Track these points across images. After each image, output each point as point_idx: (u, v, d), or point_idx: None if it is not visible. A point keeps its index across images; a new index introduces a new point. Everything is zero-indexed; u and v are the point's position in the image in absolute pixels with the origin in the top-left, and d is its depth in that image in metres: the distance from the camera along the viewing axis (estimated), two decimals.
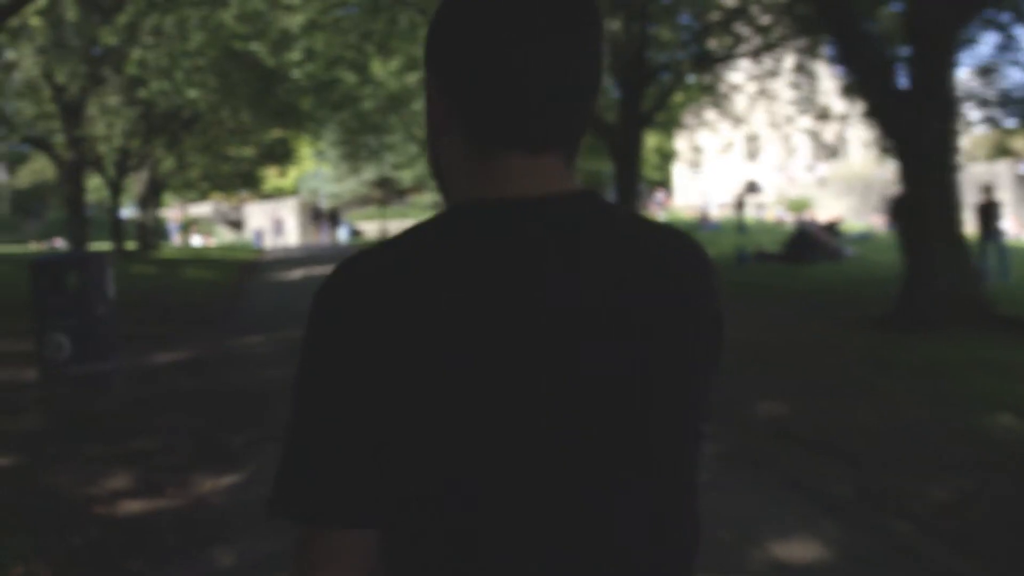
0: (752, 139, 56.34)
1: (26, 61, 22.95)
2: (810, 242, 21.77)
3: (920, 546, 4.90)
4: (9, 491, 6.01)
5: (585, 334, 1.03)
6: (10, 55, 23.41)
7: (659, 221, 1.24)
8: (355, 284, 1.03)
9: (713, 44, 21.28)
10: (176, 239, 50.20)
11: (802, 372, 9.29)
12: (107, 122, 26.67)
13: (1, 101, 23.88)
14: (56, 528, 5.27)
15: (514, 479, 1.00)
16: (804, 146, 51.18)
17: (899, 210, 12.32)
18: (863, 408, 7.70)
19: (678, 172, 62.49)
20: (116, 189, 30.82)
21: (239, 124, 29.86)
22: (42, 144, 25.58)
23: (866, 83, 12.37)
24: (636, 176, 21.15)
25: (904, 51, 12.36)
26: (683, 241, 1.18)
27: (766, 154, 57.14)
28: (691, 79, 23.25)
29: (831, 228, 26.66)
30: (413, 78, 25.84)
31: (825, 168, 52.82)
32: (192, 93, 23.04)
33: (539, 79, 1.07)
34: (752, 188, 52.69)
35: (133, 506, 5.71)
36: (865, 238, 29.87)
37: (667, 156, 58.87)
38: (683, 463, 1.15)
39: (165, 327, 13.72)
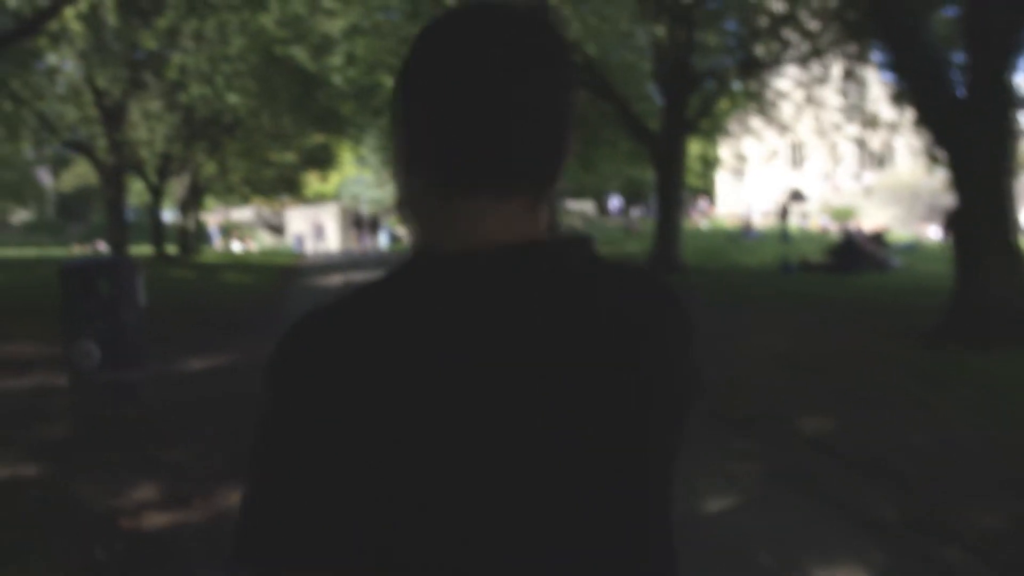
0: (797, 147, 55.84)
1: (67, 65, 23.08)
2: (856, 252, 21.33)
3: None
4: (34, 501, 5.88)
5: (532, 395, 1.01)
6: (52, 60, 23.55)
7: (639, 271, 1.21)
8: (311, 348, 0.99)
9: (760, 50, 20.94)
10: (217, 243, 50.42)
11: (848, 386, 8.96)
12: (148, 127, 26.78)
13: (43, 105, 23.93)
14: (80, 540, 5.13)
15: (480, 539, 0.99)
16: (849, 154, 50.69)
17: (953, 221, 11.94)
18: (911, 425, 7.37)
19: (721, 180, 62.10)
20: (157, 193, 30.93)
21: (280, 129, 29.83)
22: (84, 148, 25.67)
23: (918, 90, 11.98)
24: (679, 184, 20.89)
25: (959, 57, 11.96)
26: (655, 295, 1.19)
27: (811, 162, 56.57)
28: (736, 86, 22.91)
29: (877, 238, 26.14)
30: None
31: (871, 177, 52.07)
32: (232, 98, 23.09)
33: (505, 118, 1.04)
34: (796, 196, 52.13)
35: (159, 519, 5.55)
36: (912, 248, 29.34)
37: (710, 163, 58.43)
38: (638, 533, 1.12)
39: (200, 332, 13.61)
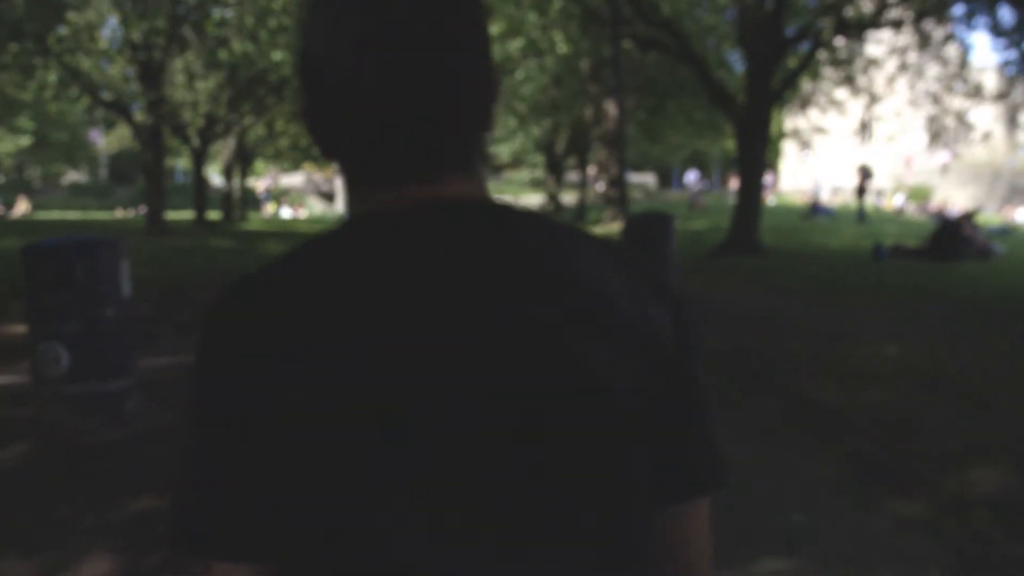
0: (867, 121, 53.18)
1: (103, 18, 21.60)
2: (956, 237, 19.23)
3: None
4: None
5: (449, 359, 0.91)
6: (90, 15, 22.09)
7: (582, 231, 1.07)
8: (221, 326, 0.96)
9: (854, 10, 18.86)
10: (266, 210, 49.35)
11: (997, 409, 7.11)
12: (189, 86, 25.22)
13: (71, 59, 22.34)
14: None
15: (398, 516, 0.90)
16: (921, 129, 48.25)
17: None
18: None
19: (786, 154, 59.55)
20: (200, 157, 29.43)
21: None
22: (119, 108, 24.02)
23: None
24: (762, 158, 18.97)
25: None
26: (604, 257, 1.03)
27: (880, 136, 53.86)
28: (831, 50, 20.88)
29: (968, 221, 23.94)
30: (515, 45, 23.98)
31: (947, 154, 49.40)
32: (277, 55, 21.49)
33: (390, 94, 0.95)
34: (866, 174, 49.61)
35: None
36: (1006, 232, 27.08)
37: (774, 137, 56.04)
38: (614, 531, 0.98)
39: None
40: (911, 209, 41.98)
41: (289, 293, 0.93)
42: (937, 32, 20.36)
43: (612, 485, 0.97)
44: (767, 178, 56.51)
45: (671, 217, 12.10)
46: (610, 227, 25.65)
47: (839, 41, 20.13)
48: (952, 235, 19.21)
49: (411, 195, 0.97)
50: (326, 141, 1.01)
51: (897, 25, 19.38)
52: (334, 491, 0.89)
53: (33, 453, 6.00)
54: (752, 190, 19.35)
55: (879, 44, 22.36)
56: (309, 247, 0.97)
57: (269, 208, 49.54)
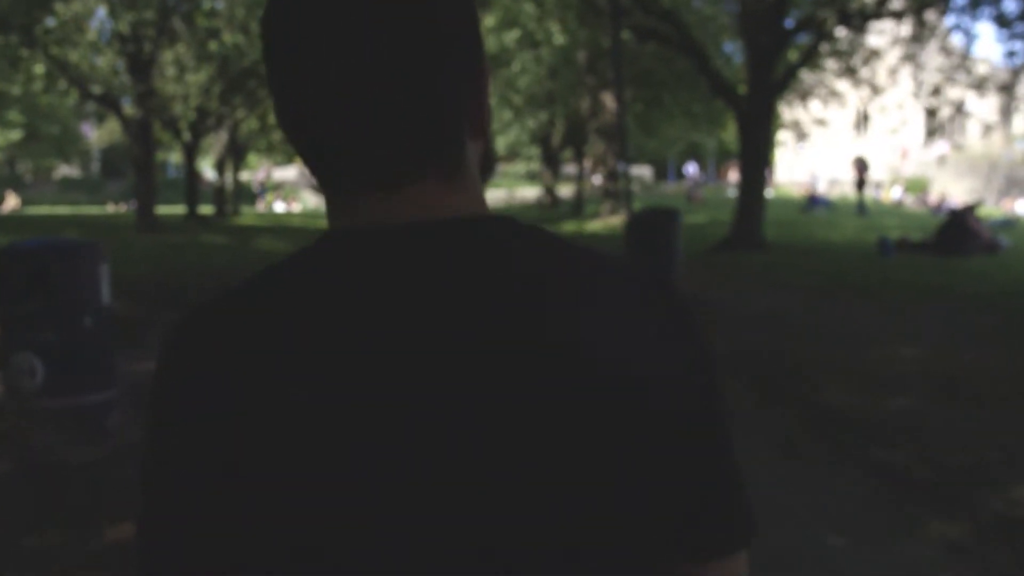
0: (861, 113, 52.82)
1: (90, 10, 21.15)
2: (964, 231, 18.84)
3: None
4: None
5: (414, 387, 0.83)
6: (76, 6, 21.63)
7: (594, 250, 0.94)
8: (180, 350, 0.89)
9: (853, 2, 18.49)
10: (260, 204, 48.97)
11: None
12: (179, 79, 24.75)
13: (58, 51, 21.85)
14: None
15: (351, 549, 0.83)
16: (918, 121, 48.01)
17: None
18: None
19: (782, 146, 59.24)
20: (191, 151, 28.96)
21: None
22: (108, 101, 23.48)
23: None
24: (765, 151, 18.61)
25: None
26: (614, 271, 0.93)
27: (877, 128, 53.50)
28: (823, 48, 20.55)
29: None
30: (511, 36, 23.62)
31: (944, 146, 49.09)
32: None
33: (362, 104, 0.87)
34: (862, 165, 49.35)
35: None
36: (1009, 225, 26.73)
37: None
38: None
39: None
40: (909, 201, 41.68)
41: (240, 330, 0.86)
42: (939, 22, 20.02)
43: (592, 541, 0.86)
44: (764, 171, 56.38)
45: (678, 212, 11.74)
46: (608, 221, 25.32)
47: (840, 32, 19.77)
48: (959, 229, 18.84)
49: (381, 207, 0.89)
50: (296, 143, 0.93)
51: (899, 16, 19.03)
52: (283, 524, 0.83)
53: (4, 474, 5.60)
54: (755, 184, 18.97)
55: (881, 35, 22.01)
56: (267, 275, 0.90)
57: (268, 200, 49.16)
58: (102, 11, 22.68)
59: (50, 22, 21.47)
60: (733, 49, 26.92)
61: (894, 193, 43.19)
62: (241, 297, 0.89)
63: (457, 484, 0.82)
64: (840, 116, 43.01)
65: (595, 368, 0.85)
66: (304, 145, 0.91)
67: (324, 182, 0.93)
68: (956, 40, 21.03)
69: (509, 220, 0.92)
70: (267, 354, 0.84)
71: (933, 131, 21.27)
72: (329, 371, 0.83)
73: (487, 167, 1.02)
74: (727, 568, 0.97)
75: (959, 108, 23.14)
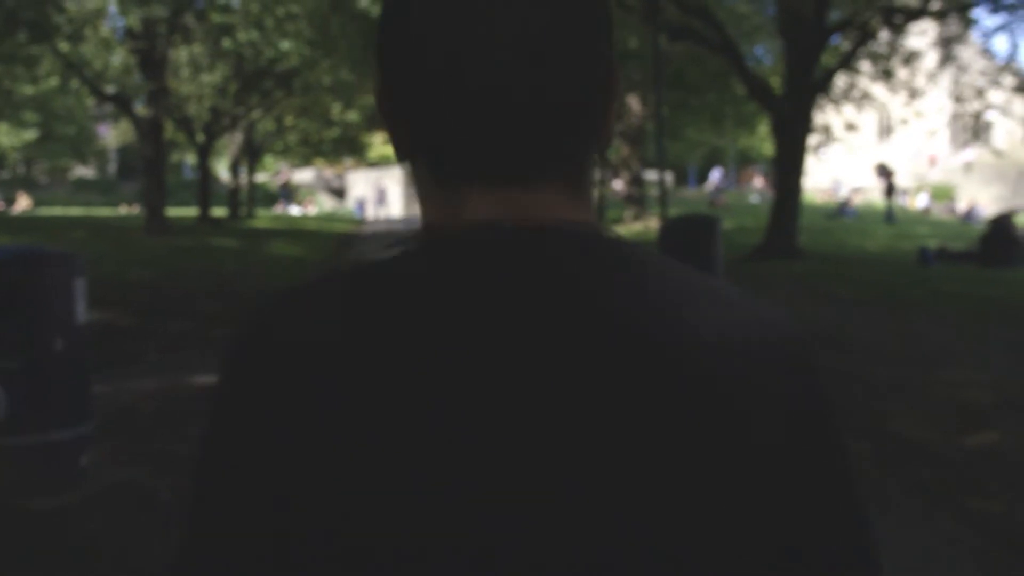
0: (885, 117, 51.92)
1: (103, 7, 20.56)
2: (1011, 240, 18.05)
3: None
4: None
5: (538, 409, 0.77)
6: (89, 3, 21.02)
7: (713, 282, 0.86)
8: (262, 342, 0.81)
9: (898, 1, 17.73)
10: (278, 207, 48.49)
11: None
12: (193, 78, 24.12)
13: (65, 47, 21.25)
14: None
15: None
16: (944, 127, 47.13)
17: None
18: None
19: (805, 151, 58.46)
20: (205, 152, 28.34)
21: (339, 83, 26.77)
22: (118, 100, 22.81)
23: None
24: (802, 156, 17.83)
25: None
26: (732, 317, 0.83)
27: (902, 134, 52.65)
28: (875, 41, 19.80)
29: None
30: None
31: (973, 152, 48.18)
32: (285, 45, 20.40)
33: (497, 85, 0.81)
34: (885, 172, 48.47)
35: None
36: None
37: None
38: None
39: (209, 330, 10.38)
40: (937, 209, 40.91)
41: (343, 337, 0.78)
42: (984, 24, 19.29)
43: None
44: None
45: (718, 220, 10.93)
46: (632, 227, 24.60)
47: (883, 33, 19.03)
48: (1004, 238, 18.05)
49: (499, 207, 0.83)
50: (412, 132, 0.86)
51: (942, 16, 18.27)
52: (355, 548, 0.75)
53: None
54: (791, 190, 18.21)
55: (922, 36, 21.25)
56: (365, 274, 0.83)
57: (296, 206, 48.65)
58: (113, 7, 22.10)
59: (61, 19, 20.92)
60: (763, 51, 26.20)
61: (920, 201, 42.35)
62: (334, 296, 0.81)
63: (580, 516, 0.75)
64: (864, 121, 42.23)
65: (727, 403, 0.78)
66: (424, 127, 0.83)
67: (436, 170, 0.85)
68: (997, 43, 20.18)
69: (639, 244, 0.87)
70: (379, 365, 0.76)
71: (970, 136, 20.53)
72: (452, 390, 0.76)
73: None
74: None
75: (1003, 111, 22.33)
